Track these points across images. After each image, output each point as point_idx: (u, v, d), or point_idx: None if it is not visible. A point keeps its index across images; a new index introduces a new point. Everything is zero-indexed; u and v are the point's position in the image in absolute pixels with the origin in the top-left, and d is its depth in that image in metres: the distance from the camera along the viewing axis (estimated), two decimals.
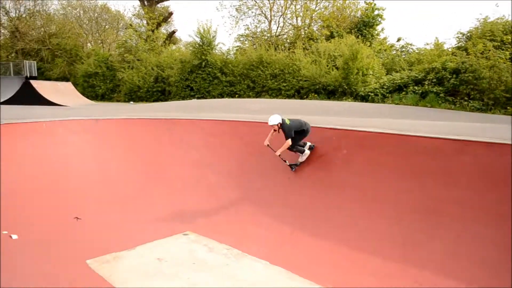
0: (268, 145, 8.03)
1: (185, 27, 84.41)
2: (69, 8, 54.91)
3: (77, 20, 53.92)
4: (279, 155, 7.95)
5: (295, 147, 8.05)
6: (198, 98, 30.45)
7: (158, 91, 34.11)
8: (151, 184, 9.08)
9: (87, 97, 32.28)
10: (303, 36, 36.40)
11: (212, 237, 6.95)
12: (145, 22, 45.85)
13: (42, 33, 52.60)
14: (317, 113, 13.23)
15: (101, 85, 37.94)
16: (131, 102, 31.20)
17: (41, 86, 24.89)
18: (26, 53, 51.36)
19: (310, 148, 8.27)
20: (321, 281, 5.30)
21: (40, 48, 50.97)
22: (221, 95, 30.68)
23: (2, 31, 58.10)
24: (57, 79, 42.23)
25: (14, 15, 54.71)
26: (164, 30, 48.69)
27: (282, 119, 7.87)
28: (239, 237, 7.00)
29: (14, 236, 6.46)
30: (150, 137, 10.31)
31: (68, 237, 6.79)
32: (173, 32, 48.97)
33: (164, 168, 9.53)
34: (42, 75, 43.10)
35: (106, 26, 54.18)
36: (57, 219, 7.33)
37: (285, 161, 8.17)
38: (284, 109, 15.17)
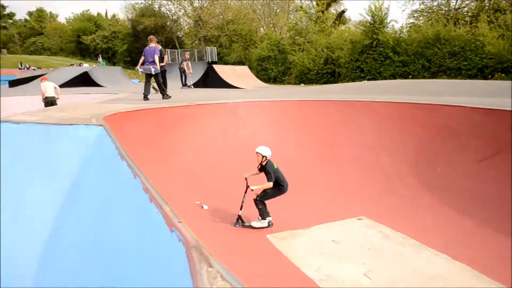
0: (246, 178, 6.84)
1: (355, 6, 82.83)
2: None
3: (251, 5, 57.11)
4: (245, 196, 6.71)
5: (262, 204, 6.74)
6: (368, 79, 29.75)
7: (328, 73, 34.25)
8: (324, 165, 9.19)
9: (261, 80, 34.05)
10: (487, 7, 32.50)
11: (387, 224, 6.72)
12: (314, 3, 46.25)
13: (220, 20, 57.14)
14: (507, 95, 11.74)
15: (273, 68, 39.65)
16: (302, 85, 31.97)
17: (222, 70, 27.07)
18: (208, 39, 56.46)
19: (269, 224, 6.75)
20: None
21: (219, 34, 55.48)
22: (393, 76, 29.43)
23: (187, 20, 64.89)
24: (234, 63, 45.49)
25: (197, 5, 60.45)
26: (333, 10, 48.52)
27: (270, 160, 6.84)
28: (416, 226, 6.63)
29: (205, 207, 7.17)
30: (322, 119, 10.41)
31: (251, 212, 7.27)
32: (343, 11, 48.40)
33: (336, 150, 9.54)
34: (221, 60, 46.81)
35: (277, 10, 56.24)
36: (240, 193, 7.88)
37: (241, 208, 6.68)
38: (467, 90, 13.82)
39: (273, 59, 40.00)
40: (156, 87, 15.59)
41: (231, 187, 8.10)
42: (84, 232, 4.16)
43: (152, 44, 12.13)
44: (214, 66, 27.88)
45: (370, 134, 9.55)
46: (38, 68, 52.11)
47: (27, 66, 53.21)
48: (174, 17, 64.97)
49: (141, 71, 12.37)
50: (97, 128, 5.40)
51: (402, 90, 14.65)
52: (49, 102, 14.04)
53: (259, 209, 6.76)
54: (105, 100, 12.27)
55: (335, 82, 32.13)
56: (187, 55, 24.12)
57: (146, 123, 8.64)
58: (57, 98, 14.49)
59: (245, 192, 6.71)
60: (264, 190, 6.75)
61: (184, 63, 22.51)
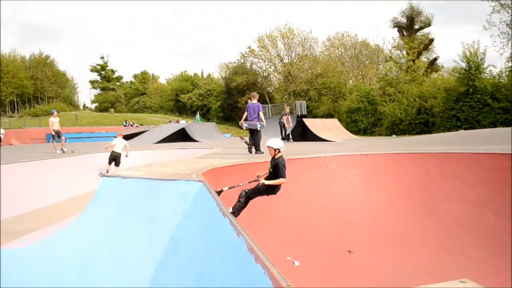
0: (258, 175, 6.53)
1: (448, 52, 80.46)
2: (332, 48, 59.41)
3: (339, 58, 57.74)
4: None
5: (246, 200, 6.34)
6: (465, 128, 28.20)
7: (421, 123, 33.13)
8: (422, 222, 8.75)
9: (350, 132, 33.76)
10: None
11: None
12: (405, 52, 45.58)
13: (309, 74, 58.29)
14: None
15: (363, 120, 39.20)
16: (394, 136, 31.15)
17: (312, 124, 27.34)
18: (297, 94, 57.61)
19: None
20: None
21: (308, 88, 56.44)
22: (493, 124, 27.65)
23: (277, 76, 67.04)
24: (322, 116, 45.78)
25: (287, 61, 62.48)
26: (425, 58, 47.46)
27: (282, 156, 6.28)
28: None
29: (296, 263, 7.13)
30: (418, 172, 10.02)
31: (342, 269, 7.10)
32: (435, 59, 47.19)
33: (435, 205, 9.07)
34: (310, 113, 47.34)
35: (366, 61, 56.30)
36: (332, 250, 7.76)
37: (230, 187, 6.48)
38: None
39: (363, 111, 39.60)
40: (248, 140, 16.13)
41: (324, 243, 8.01)
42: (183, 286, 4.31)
43: (255, 101, 12.74)
44: (304, 120, 28.25)
45: (473, 189, 8.97)
46: (140, 125, 56.45)
47: (131, 123, 57.91)
48: (264, 74, 67.52)
49: (246, 127, 12.85)
50: (197, 183, 5.68)
51: (506, 139, 13.70)
52: (113, 156, 14.85)
53: (238, 202, 6.48)
54: (202, 155, 12.92)
55: (429, 132, 30.87)
56: (288, 109, 24.22)
57: (239, 177, 8.93)
58: (126, 156, 15.26)
59: (248, 182, 6.61)
60: (257, 186, 6.47)
61: (284, 117, 22.86)
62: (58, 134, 18.25)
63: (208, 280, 3.59)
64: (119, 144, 15.23)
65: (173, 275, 4.72)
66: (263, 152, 12.46)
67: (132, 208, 6.19)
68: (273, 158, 6.57)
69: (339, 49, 58.67)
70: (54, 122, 18.16)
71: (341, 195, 9.60)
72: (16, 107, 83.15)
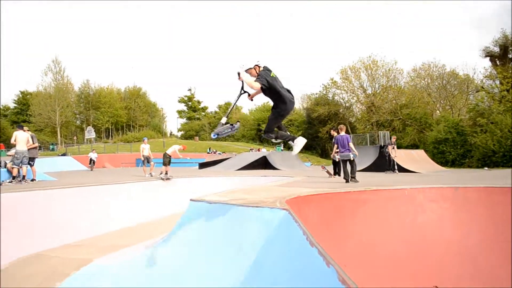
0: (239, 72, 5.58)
1: None
2: (417, 79, 57.72)
3: (426, 89, 55.88)
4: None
5: (275, 132, 5.83)
6: None
7: None
8: None
9: (437, 163, 32.16)
10: None
11: None
12: (498, 82, 43.05)
13: (393, 105, 56.88)
14: None
15: (451, 151, 37.27)
16: (486, 168, 29.19)
17: (397, 155, 26.31)
18: (380, 124, 56.40)
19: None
20: None
21: (392, 119, 55.04)
22: None
23: (360, 106, 66.17)
24: (407, 147, 44.21)
25: (370, 92, 61.59)
26: None
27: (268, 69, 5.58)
28: None
29: None
30: None
31: None
32: None
33: None
34: None
35: (455, 92, 53.80)
36: (418, 284, 7.42)
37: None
38: None
39: (451, 142, 37.60)
40: (331, 171, 16.09)
41: (409, 277, 7.67)
42: None
43: (342, 133, 13.38)
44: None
45: None
46: (223, 152, 58.12)
47: (214, 151, 59.87)
48: (347, 105, 67.03)
49: (338, 158, 13.90)
50: (281, 211, 5.70)
51: None
52: (164, 156, 18.58)
53: (278, 137, 6.32)
54: (284, 184, 12.99)
55: None
56: (394, 139, 23.39)
57: (322, 206, 8.85)
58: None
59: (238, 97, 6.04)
60: (269, 119, 6.04)
61: (390, 147, 22.41)
62: (147, 160, 19.48)
63: None
64: (171, 148, 18.91)
65: None
66: (358, 181, 12.29)
67: (215, 232, 6.36)
68: (258, 76, 5.89)
69: (426, 80, 56.88)
70: (145, 148, 19.44)
71: (428, 229, 9.15)
72: (110, 133, 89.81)
